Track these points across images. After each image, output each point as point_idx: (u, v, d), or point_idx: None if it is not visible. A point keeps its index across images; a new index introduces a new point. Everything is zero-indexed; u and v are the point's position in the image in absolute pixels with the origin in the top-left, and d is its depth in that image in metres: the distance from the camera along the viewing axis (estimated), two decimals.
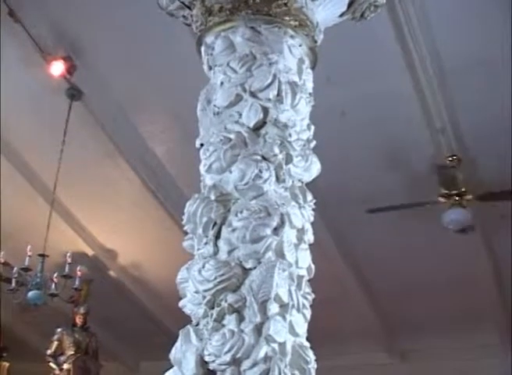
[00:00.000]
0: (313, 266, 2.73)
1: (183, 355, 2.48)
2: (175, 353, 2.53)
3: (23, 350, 11.34)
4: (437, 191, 7.52)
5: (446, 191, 7.52)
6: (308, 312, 2.65)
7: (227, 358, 2.39)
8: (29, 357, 11.56)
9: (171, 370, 2.55)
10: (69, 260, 8.29)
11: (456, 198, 7.56)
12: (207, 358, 2.43)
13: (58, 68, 7.48)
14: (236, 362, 2.39)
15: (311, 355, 2.59)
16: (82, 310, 9.93)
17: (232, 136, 2.72)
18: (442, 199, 7.54)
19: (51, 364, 9.68)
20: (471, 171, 7.65)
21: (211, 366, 2.42)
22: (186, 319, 2.63)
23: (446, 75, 6.75)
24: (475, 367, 9.70)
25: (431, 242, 8.51)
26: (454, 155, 7.52)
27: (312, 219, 2.77)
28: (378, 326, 10.42)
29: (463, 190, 7.60)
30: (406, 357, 10.94)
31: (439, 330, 10.07)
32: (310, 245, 2.76)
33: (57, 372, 9.63)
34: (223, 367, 2.40)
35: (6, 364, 8.47)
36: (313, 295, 2.69)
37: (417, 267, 9.12)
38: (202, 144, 2.84)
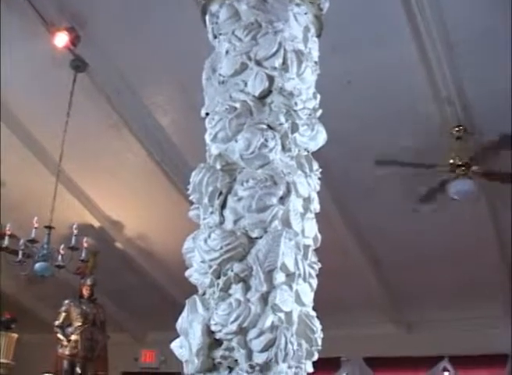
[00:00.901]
0: (319, 236, 2.73)
1: (190, 325, 2.49)
2: (181, 323, 2.54)
3: (31, 321, 11.43)
4: (443, 161, 7.49)
5: (453, 162, 7.49)
6: (314, 282, 2.65)
7: (233, 327, 2.40)
8: (37, 328, 11.66)
9: (177, 340, 2.56)
10: (75, 232, 8.30)
11: (463, 169, 7.53)
12: (213, 328, 2.44)
13: (61, 39, 7.42)
14: (242, 331, 2.40)
15: (317, 325, 2.60)
16: (89, 282, 9.98)
17: (237, 105, 2.71)
18: (448, 170, 7.50)
19: (59, 335, 9.75)
20: (478, 142, 7.61)
21: (218, 336, 2.44)
22: (192, 290, 2.63)
23: (453, 45, 6.68)
24: (479, 338, 9.73)
25: (436, 213, 8.49)
26: (460, 126, 7.48)
27: (318, 188, 2.76)
28: (384, 297, 10.45)
29: (469, 161, 7.56)
30: (412, 328, 10.97)
31: (444, 301, 10.09)
32: (316, 216, 2.75)
33: (65, 343, 9.69)
34: (229, 336, 2.41)
35: (15, 335, 8.53)
36: (319, 265, 2.69)
37: (422, 239, 9.12)
38: (207, 114, 2.82)
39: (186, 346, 2.49)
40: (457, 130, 7.48)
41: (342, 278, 9.20)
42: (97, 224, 10.28)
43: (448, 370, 10.60)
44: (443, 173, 7.51)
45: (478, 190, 7.59)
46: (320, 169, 2.80)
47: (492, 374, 10.31)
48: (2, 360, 8.37)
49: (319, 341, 2.60)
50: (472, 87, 7.04)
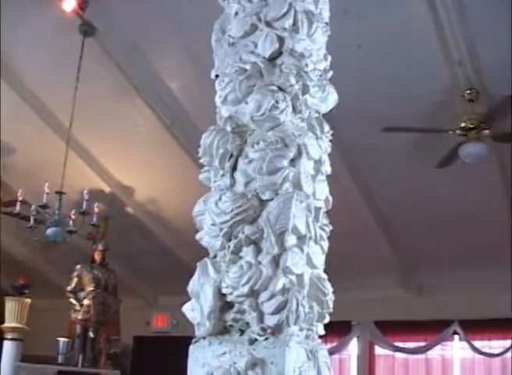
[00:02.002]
0: (330, 198, 2.71)
1: (201, 288, 2.49)
2: (192, 286, 2.54)
3: (43, 287, 11.52)
4: (455, 124, 7.43)
5: (464, 125, 7.43)
6: (326, 244, 2.65)
7: (245, 290, 2.39)
8: (50, 293, 11.76)
9: (189, 303, 2.56)
10: (86, 197, 8.33)
11: (475, 132, 7.47)
12: (224, 291, 2.43)
13: (69, 3, 7.38)
14: (253, 293, 2.40)
15: (328, 287, 2.59)
16: (100, 247, 10.05)
17: (247, 66, 2.68)
18: (459, 133, 7.45)
19: (72, 300, 9.84)
20: (490, 105, 7.54)
21: (229, 298, 2.44)
22: (203, 254, 2.63)
23: (465, 6, 6.60)
24: (489, 302, 9.74)
25: (447, 177, 8.46)
26: (472, 88, 7.41)
27: (329, 150, 2.74)
28: (394, 260, 10.46)
29: (481, 124, 7.49)
30: (422, 291, 11.00)
31: (454, 265, 10.09)
32: (327, 179, 2.73)
33: (77, 307, 9.78)
34: (241, 299, 2.41)
35: (28, 300, 8.61)
36: (330, 227, 2.68)
37: (433, 202, 9.10)
38: (217, 76, 2.80)
39: (197, 309, 2.49)
40: (469, 93, 7.41)
41: (352, 242, 9.22)
42: (107, 189, 10.30)
43: (458, 334, 10.65)
44: (455, 137, 7.45)
45: (490, 153, 7.54)
46: (331, 132, 2.77)
47: (502, 338, 10.35)
48: (16, 325, 8.45)
49: (330, 304, 2.59)
50: (484, 49, 6.96)
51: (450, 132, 7.40)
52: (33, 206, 8.32)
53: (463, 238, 9.45)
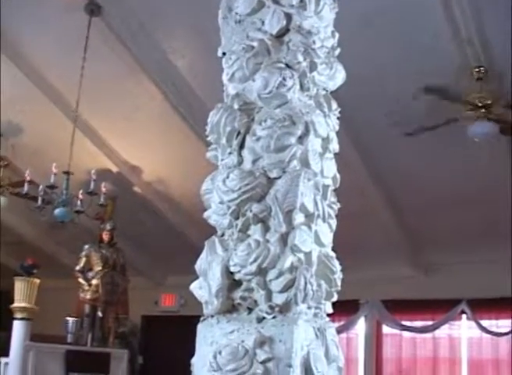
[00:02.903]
0: (338, 176, 2.70)
1: (209, 266, 2.48)
2: (200, 264, 2.54)
3: (52, 267, 11.57)
4: (463, 103, 7.39)
5: (473, 103, 7.38)
6: (334, 222, 2.64)
7: (253, 268, 2.39)
8: (58, 273, 11.81)
9: (197, 281, 2.56)
10: (93, 177, 8.34)
11: (483, 111, 7.43)
12: (232, 269, 2.43)
13: None
14: (261, 272, 2.39)
15: (336, 265, 2.59)
16: (108, 226, 10.08)
17: (254, 44, 2.66)
18: (468, 111, 7.40)
19: (80, 279, 9.90)
20: (499, 83, 7.49)
21: (237, 276, 2.43)
22: (211, 234, 2.62)
23: None
24: (497, 281, 9.73)
25: (457, 156, 8.43)
26: (481, 67, 7.36)
27: (337, 128, 2.72)
28: (402, 239, 10.45)
29: (489, 102, 7.45)
30: (430, 271, 10.99)
31: (462, 244, 10.07)
32: (334, 156, 2.72)
33: (86, 287, 9.84)
34: (249, 277, 2.41)
35: (37, 280, 8.64)
36: (338, 205, 2.66)
37: (441, 181, 9.07)
38: (224, 53, 2.77)
39: (205, 287, 2.49)
40: (477, 71, 7.36)
41: (360, 221, 9.20)
42: (115, 169, 10.31)
43: (465, 313, 10.66)
44: (464, 114, 7.41)
45: (498, 132, 7.49)
46: (339, 109, 2.75)
47: (510, 317, 10.34)
48: (25, 305, 8.49)
49: (338, 282, 2.59)
50: (493, 27, 6.90)
51: (458, 120, 7.36)
52: (40, 186, 8.34)
53: (472, 217, 9.42)
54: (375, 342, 11.37)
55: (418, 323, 11.11)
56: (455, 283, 10.37)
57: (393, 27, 7.07)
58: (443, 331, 10.95)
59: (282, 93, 2.56)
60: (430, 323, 10.92)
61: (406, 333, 11.20)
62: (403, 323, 11.08)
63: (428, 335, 11.00)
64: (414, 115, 7.74)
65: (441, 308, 10.68)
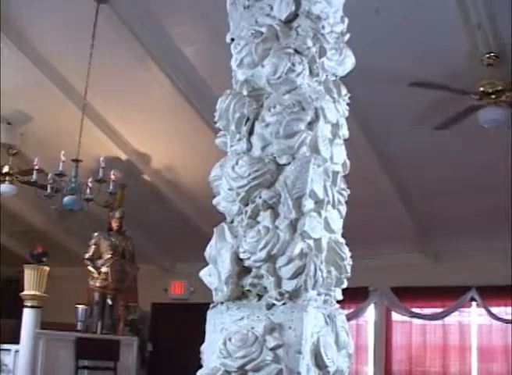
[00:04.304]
0: (348, 162, 2.68)
1: (218, 253, 2.47)
2: (210, 251, 2.53)
3: (61, 255, 11.61)
4: (473, 89, 7.34)
5: (483, 90, 7.33)
6: (344, 209, 2.62)
7: (262, 254, 2.38)
8: (68, 261, 11.85)
9: (206, 268, 2.55)
10: (102, 165, 8.33)
11: (493, 97, 7.38)
12: (242, 255, 2.42)
13: None
14: (271, 258, 2.38)
15: (346, 252, 2.58)
16: (117, 214, 10.09)
17: (263, 29, 2.63)
18: (478, 97, 7.36)
19: (90, 267, 9.91)
20: (509, 69, 7.44)
21: (247, 263, 2.42)
22: (220, 221, 2.60)
23: None
24: (506, 268, 9.69)
25: (467, 142, 8.39)
26: (492, 52, 7.30)
27: (347, 114, 2.70)
28: (412, 226, 10.43)
29: (500, 88, 7.40)
30: (439, 258, 10.98)
31: (471, 231, 10.04)
32: (344, 142, 2.70)
33: (95, 275, 9.86)
34: (258, 264, 2.40)
35: (46, 268, 8.66)
36: (348, 191, 2.65)
37: (451, 168, 9.04)
38: (233, 39, 2.75)
39: (214, 274, 2.48)
40: (488, 57, 7.30)
41: (369, 208, 9.19)
42: (124, 157, 10.31)
43: (475, 300, 10.65)
44: (473, 101, 7.35)
45: (508, 119, 7.45)
46: (348, 95, 2.73)
47: None
48: (35, 292, 8.51)
49: (348, 269, 2.58)
50: (504, 14, 6.84)
51: (472, 96, 7.30)
52: (49, 174, 8.34)
53: (481, 204, 9.39)
54: (384, 329, 11.38)
55: (428, 310, 11.12)
56: (465, 270, 10.35)
57: (403, 13, 7.02)
58: (453, 318, 10.95)
59: (292, 78, 2.54)
60: (440, 310, 10.91)
61: (416, 321, 11.20)
62: (413, 310, 11.09)
63: (438, 322, 11.00)
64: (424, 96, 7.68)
65: (451, 295, 10.67)
